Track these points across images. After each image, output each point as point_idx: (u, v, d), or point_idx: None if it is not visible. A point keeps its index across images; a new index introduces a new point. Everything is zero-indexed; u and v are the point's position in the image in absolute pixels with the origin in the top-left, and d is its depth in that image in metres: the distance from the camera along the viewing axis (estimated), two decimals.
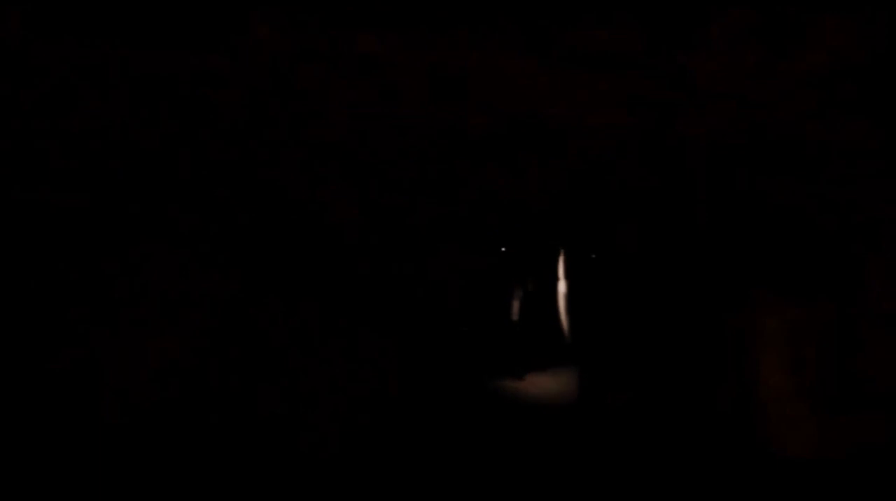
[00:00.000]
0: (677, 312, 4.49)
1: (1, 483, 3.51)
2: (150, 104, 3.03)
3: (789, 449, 3.89)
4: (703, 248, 4.43)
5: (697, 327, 4.39)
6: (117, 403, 3.83)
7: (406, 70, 2.66)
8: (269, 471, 3.89)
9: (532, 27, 2.31)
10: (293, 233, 4.20)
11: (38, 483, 3.58)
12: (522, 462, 4.49)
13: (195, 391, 3.93)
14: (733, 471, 3.91)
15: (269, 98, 2.94)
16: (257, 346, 4.08)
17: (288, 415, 4.03)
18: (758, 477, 3.83)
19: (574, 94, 2.89)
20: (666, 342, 4.52)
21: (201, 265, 4.04)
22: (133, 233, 3.97)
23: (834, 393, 3.88)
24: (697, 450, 4.16)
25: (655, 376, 4.50)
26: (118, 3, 2.18)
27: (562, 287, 6.56)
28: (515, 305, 7.11)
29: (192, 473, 3.79)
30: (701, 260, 4.43)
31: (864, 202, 3.84)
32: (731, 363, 4.24)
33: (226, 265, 4.09)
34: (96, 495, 3.59)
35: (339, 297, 4.21)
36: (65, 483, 3.60)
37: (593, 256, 5.13)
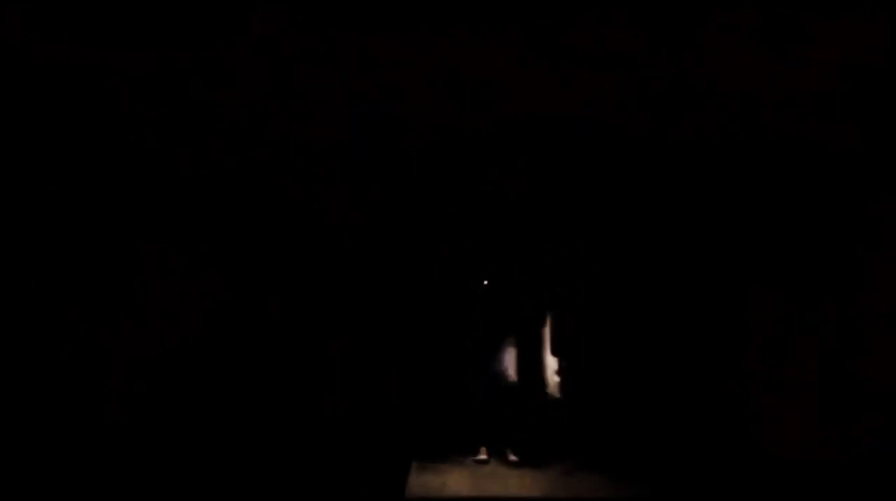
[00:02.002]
0: (677, 314, 4.49)
1: (1, 482, 3.51)
2: (150, 104, 3.03)
3: (789, 450, 3.89)
4: (703, 249, 4.42)
5: (697, 328, 4.39)
6: (118, 402, 3.83)
7: (406, 70, 2.66)
8: (268, 471, 3.89)
9: (532, 27, 2.31)
10: (293, 233, 4.20)
11: (39, 482, 3.57)
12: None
13: (194, 392, 3.93)
14: (733, 471, 3.91)
15: (269, 98, 2.94)
16: (256, 347, 4.08)
17: (287, 416, 4.03)
18: (758, 477, 3.83)
19: (574, 94, 2.89)
20: (667, 345, 4.52)
21: (201, 265, 4.04)
22: (133, 232, 3.97)
23: (834, 393, 3.88)
24: (697, 450, 4.15)
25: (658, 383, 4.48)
26: (118, 3, 2.18)
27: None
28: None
29: (190, 473, 3.78)
30: (701, 260, 4.43)
31: (864, 202, 3.84)
32: (731, 363, 4.24)
33: (226, 265, 4.09)
34: (96, 494, 3.59)
35: (339, 298, 4.22)
36: (65, 482, 3.60)
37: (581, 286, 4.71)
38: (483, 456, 4.58)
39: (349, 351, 4.17)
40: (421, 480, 3.99)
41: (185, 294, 4.01)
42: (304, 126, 3.24)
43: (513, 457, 4.59)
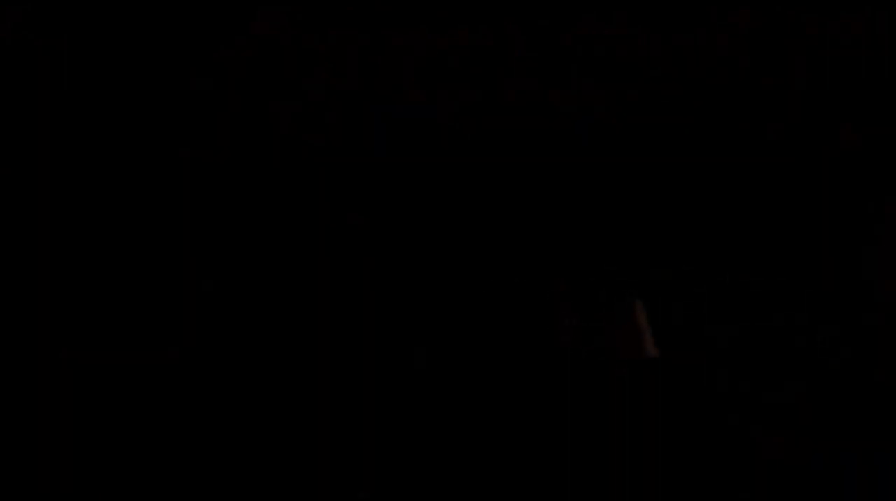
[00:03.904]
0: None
1: None
2: (150, 104, 3.03)
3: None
4: (700, 249, 4.42)
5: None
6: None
7: (406, 70, 2.67)
8: (267, 472, 3.90)
9: (532, 27, 2.31)
10: (293, 233, 4.20)
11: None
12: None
13: (190, 394, 3.93)
14: (733, 471, 3.92)
15: (269, 98, 2.94)
16: (256, 346, 4.08)
17: (288, 416, 4.03)
18: (758, 477, 3.84)
19: (575, 95, 2.89)
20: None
21: (201, 265, 4.04)
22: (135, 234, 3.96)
23: (834, 394, 3.87)
24: (697, 450, 4.16)
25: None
26: (116, 3, 2.19)
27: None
28: None
29: (187, 474, 3.79)
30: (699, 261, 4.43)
31: (864, 199, 3.84)
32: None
33: (226, 266, 4.09)
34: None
35: (339, 298, 4.22)
36: None
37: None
38: None
39: (349, 352, 4.17)
40: None
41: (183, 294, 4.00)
42: (304, 126, 3.24)
43: None
